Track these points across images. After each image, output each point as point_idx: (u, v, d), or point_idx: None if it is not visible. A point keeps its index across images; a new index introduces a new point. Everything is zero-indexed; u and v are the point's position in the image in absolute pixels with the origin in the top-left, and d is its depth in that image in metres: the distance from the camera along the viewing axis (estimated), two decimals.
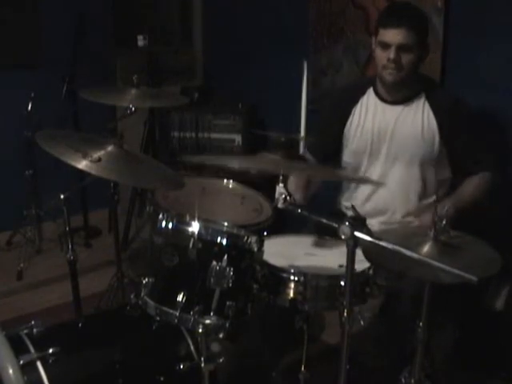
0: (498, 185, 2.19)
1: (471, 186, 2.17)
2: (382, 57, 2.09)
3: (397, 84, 2.14)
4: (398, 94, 2.19)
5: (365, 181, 2.31)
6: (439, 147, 2.17)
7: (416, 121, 2.17)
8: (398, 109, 2.20)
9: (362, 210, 2.23)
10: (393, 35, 2.04)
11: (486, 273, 1.43)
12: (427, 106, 2.17)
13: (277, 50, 3.50)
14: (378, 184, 2.20)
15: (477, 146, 2.19)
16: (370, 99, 2.27)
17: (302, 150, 1.82)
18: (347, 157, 2.34)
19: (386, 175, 2.23)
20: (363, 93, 2.28)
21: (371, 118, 2.25)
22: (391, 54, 2.05)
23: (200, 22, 4.09)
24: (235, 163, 1.59)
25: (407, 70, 2.08)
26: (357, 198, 2.29)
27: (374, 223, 2.21)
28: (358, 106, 2.29)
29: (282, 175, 1.50)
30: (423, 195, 2.23)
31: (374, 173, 2.25)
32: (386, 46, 2.06)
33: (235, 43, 3.77)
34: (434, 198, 2.18)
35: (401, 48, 2.04)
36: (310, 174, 2.02)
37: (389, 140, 2.21)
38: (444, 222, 1.54)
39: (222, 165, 1.59)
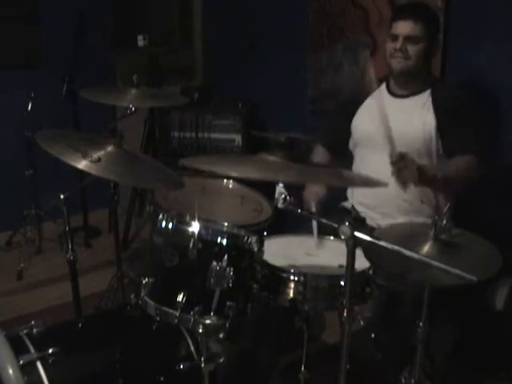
0: (483, 172, 2.14)
1: (457, 162, 2.15)
2: (390, 47, 2.19)
3: (404, 73, 2.20)
4: (406, 88, 2.25)
5: (368, 184, 2.31)
6: (436, 142, 2.18)
7: (416, 115, 2.20)
8: (402, 102, 2.26)
9: (367, 202, 2.27)
10: (401, 27, 2.16)
11: (486, 272, 1.43)
12: (430, 102, 2.20)
13: (277, 50, 3.50)
14: (382, 185, 2.18)
15: (465, 132, 2.17)
16: (380, 93, 2.32)
17: None
18: (351, 147, 2.41)
19: (386, 166, 2.23)
20: (377, 87, 2.33)
21: (377, 109, 2.28)
22: (398, 44, 2.15)
23: (200, 22, 4.09)
24: (234, 171, 1.58)
25: (415, 59, 2.16)
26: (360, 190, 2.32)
27: (376, 216, 2.23)
28: (369, 98, 2.35)
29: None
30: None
31: (375, 163, 2.25)
32: (395, 37, 2.17)
33: (235, 43, 3.77)
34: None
35: (408, 39, 2.14)
36: (310, 178, 2.01)
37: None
38: (445, 222, 1.54)
39: (221, 173, 1.59)
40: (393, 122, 2.22)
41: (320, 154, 2.47)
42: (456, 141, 2.18)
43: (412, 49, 2.15)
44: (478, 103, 2.27)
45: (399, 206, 2.23)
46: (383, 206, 2.26)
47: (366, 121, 2.32)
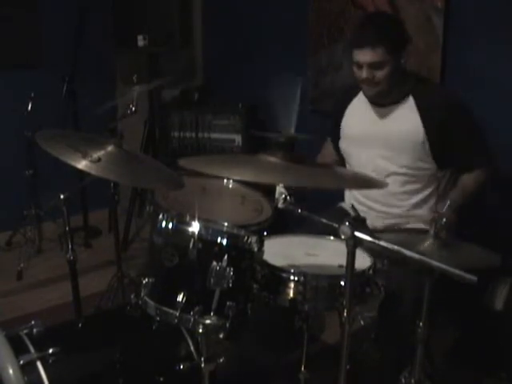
0: (494, 177, 2.17)
1: (467, 185, 2.17)
2: (357, 74, 2.15)
3: (379, 96, 2.19)
4: (385, 100, 2.21)
5: (368, 186, 2.31)
6: (425, 147, 2.15)
7: (401, 121, 2.18)
8: (384, 110, 2.22)
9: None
10: (361, 56, 2.09)
11: (486, 264, 1.43)
12: (414, 106, 2.17)
13: (277, 50, 3.50)
14: (382, 186, 2.18)
15: (469, 143, 2.17)
16: (360, 100, 2.31)
17: None
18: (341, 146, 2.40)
19: (376, 161, 2.23)
20: (356, 93, 2.32)
21: (358, 118, 2.30)
22: (363, 73, 2.11)
23: (200, 22, 4.09)
24: (233, 175, 1.58)
25: (384, 83, 2.12)
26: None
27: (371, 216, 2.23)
28: (350, 106, 2.34)
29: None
30: (411, 193, 2.23)
31: (366, 159, 2.26)
32: (358, 65, 2.12)
33: (235, 43, 3.77)
34: (424, 194, 2.22)
35: (372, 66, 2.08)
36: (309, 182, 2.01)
37: (374, 140, 2.22)
38: (444, 220, 1.55)
39: (220, 176, 1.58)
40: (372, 130, 2.23)
41: (328, 151, 2.50)
42: (455, 154, 2.17)
43: (379, 73, 2.09)
44: (466, 101, 2.25)
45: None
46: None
47: (353, 129, 2.32)
